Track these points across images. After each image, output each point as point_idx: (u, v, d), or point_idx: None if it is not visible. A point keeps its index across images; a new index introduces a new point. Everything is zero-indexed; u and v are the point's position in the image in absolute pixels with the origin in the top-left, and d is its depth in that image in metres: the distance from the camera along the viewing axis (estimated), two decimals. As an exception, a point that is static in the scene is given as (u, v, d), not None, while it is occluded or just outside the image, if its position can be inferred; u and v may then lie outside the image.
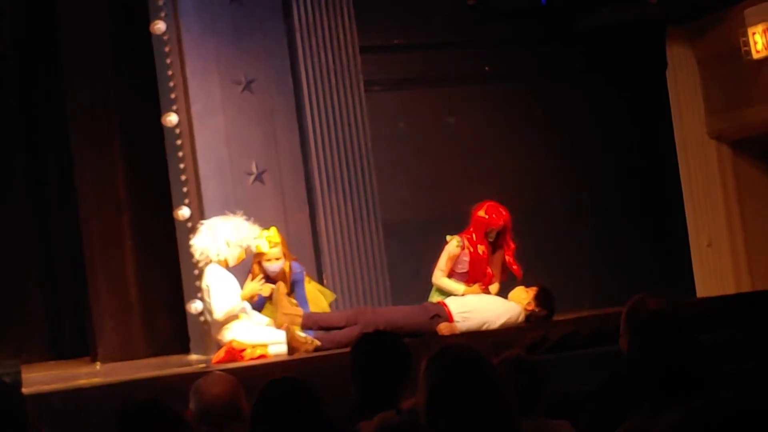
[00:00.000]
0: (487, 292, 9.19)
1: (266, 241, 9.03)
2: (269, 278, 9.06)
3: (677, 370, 3.26)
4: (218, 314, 8.79)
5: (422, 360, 3.27)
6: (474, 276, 9.20)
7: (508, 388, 3.24)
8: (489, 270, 9.23)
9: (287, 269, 9.10)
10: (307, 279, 9.35)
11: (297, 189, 10.24)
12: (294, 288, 9.13)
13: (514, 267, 9.26)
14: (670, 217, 12.36)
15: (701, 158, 12.43)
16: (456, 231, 9.32)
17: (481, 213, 9.20)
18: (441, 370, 3.20)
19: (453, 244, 9.20)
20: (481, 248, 9.17)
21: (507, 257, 9.25)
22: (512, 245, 9.29)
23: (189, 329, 10.05)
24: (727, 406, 2.19)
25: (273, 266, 9.03)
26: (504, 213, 9.23)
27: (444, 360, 3.22)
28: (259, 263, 9.05)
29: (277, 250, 9.05)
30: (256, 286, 8.87)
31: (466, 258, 9.18)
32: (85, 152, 10.48)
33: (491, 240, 9.25)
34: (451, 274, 9.22)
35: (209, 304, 8.92)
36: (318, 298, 9.26)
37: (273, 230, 9.16)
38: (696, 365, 3.29)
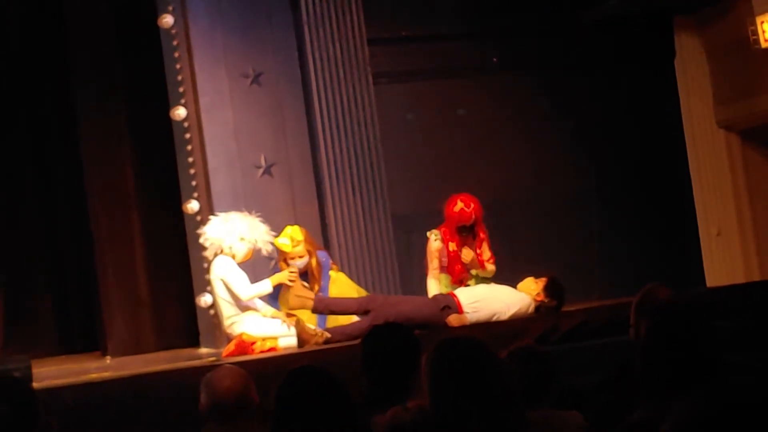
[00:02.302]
0: (460, 285, 9.19)
1: (288, 239, 9.05)
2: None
3: (692, 356, 3.26)
4: (245, 295, 8.85)
5: (425, 353, 3.27)
6: (450, 270, 9.23)
7: (512, 377, 3.23)
8: (458, 266, 9.23)
9: (314, 264, 9.14)
10: (342, 274, 9.38)
11: (306, 182, 10.25)
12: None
13: (480, 259, 9.25)
14: (680, 207, 12.34)
15: (710, 147, 12.41)
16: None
17: (450, 209, 9.21)
18: (441, 362, 3.20)
19: (432, 239, 9.23)
20: (452, 245, 9.19)
21: (477, 249, 9.25)
22: (482, 236, 9.29)
23: (199, 323, 10.07)
24: (736, 394, 2.19)
25: (297, 264, 9.08)
26: (473, 206, 9.21)
27: (444, 352, 3.22)
28: (285, 261, 9.10)
29: (300, 248, 9.07)
30: (285, 276, 8.90)
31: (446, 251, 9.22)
32: (94, 147, 10.48)
33: (464, 234, 9.23)
34: (440, 269, 9.25)
35: (219, 296, 8.96)
36: (345, 290, 9.22)
37: (295, 228, 9.17)
38: (709, 352, 3.29)
